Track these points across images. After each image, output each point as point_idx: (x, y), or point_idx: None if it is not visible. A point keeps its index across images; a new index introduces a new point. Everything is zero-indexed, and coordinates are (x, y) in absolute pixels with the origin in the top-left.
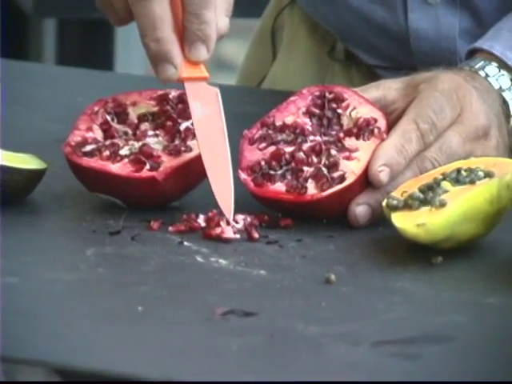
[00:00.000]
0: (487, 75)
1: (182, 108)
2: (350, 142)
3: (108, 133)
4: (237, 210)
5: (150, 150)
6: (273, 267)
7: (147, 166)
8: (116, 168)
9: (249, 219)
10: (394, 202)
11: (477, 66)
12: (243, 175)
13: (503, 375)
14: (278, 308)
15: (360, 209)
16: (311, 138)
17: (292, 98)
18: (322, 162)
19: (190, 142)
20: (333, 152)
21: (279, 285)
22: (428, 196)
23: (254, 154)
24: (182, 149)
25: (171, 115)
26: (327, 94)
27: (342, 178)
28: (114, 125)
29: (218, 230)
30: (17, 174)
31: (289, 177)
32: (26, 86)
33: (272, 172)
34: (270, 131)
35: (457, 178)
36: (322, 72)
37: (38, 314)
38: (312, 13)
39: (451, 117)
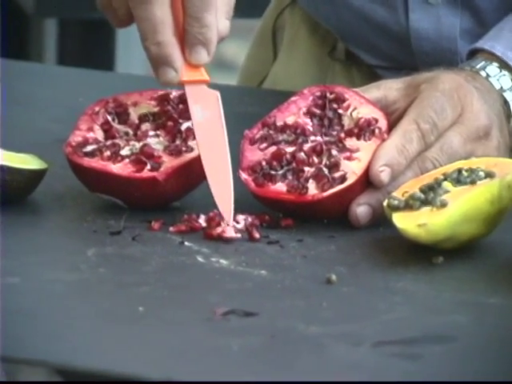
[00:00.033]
0: (488, 75)
1: (183, 108)
2: (350, 143)
3: (109, 133)
4: (238, 210)
5: (150, 150)
6: (274, 267)
7: (148, 167)
8: (117, 168)
9: (250, 219)
10: (395, 202)
11: (478, 66)
12: (244, 175)
13: (504, 375)
14: (278, 308)
15: (361, 209)
16: (312, 138)
17: (293, 98)
18: (323, 163)
19: (190, 143)
20: (334, 152)
21: (280, 285)
22: (429, 196)
23: (254, 154)
24: (183, 149)
25: (172, 115)
26: (328, 94)
27: (343, 179)
28: (115, 125)
29: (218, 230)
30: (18, 174)
31: (290, 177)
32: (27, 86)
33: (273, 172)
34: (271, 131)
35: (458, 179)
36: (323, 72)
37: (38, 314)
38: (313, 13)
39: (452, 117)
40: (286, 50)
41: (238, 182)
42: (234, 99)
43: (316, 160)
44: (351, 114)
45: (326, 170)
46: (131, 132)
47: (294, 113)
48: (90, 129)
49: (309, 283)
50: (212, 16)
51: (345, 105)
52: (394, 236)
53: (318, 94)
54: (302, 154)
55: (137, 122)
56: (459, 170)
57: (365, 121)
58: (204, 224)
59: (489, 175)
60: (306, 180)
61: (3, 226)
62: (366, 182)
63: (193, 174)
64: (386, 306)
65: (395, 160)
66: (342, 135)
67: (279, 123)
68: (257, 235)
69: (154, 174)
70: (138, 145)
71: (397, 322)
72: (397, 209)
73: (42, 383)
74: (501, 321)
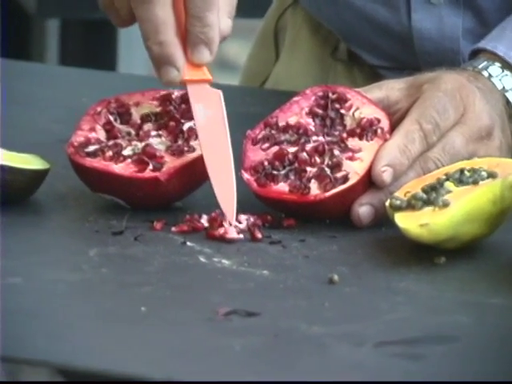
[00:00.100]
0: (490, 75)
1: (185, 108)
2: (353, 143)
3: (111, 133)
4: (240, 210)
5: (152, 150)
6: (276, 267)
7: (150, 167)
8: (119, 168)
9: (252, 219)
10: (398, 203)
11: (480, 67)
12: (246, 175)
13: (506, 375)
14: (281, 308)
15: (363, 209)
16: (314, 138)
17: (295, 99)
18: (325, 163)
19: (192, 143)
20: (336, 152)
21: (282, 285)
22: (431, 196)
23: (257, 154)
24: (185, 149)
25: (174, 115)
26: (330, 95)
27: (345, 179)
28: (117, 125)
29: (221, 231)
30: (20, 174)
31: (292, 177)
32: (29, 86)
33: (275, 172)
34: (273, 131)
35: (460, 179)
36: (325, 72)
37: (40, 314)
38: (315, 13)
39: (454, 117)
40: (288, 51)
41: (240, 182)
42: (236, 99)
43: (318, 160)
44: (353, 114)
45: (328, 170)
46: (133, 132)
47: (296, 113)
48: (92, 129)
49: (311, 283)
50: (214, 15)
51: (347, 105)
52: (396, 236)
53: (320, 94)
54: (304, 154)
55: (139, 122)
56: (461, 170)
57: (367, 121)
58: (206, 224)
59: (491, 175)
60: (308, 180)
61: (5, 226)
62: (368, 182)
63: (195, 174)
64: (388, 306)
65: (397, 160)
66: (344, 135)
67: (281, 123)
68: (259, 235)
69: (156, 174)
70: (140, 145)
71: (399, 322)
72: (399, 209)
73: (43, 383)
74: (503, 321)
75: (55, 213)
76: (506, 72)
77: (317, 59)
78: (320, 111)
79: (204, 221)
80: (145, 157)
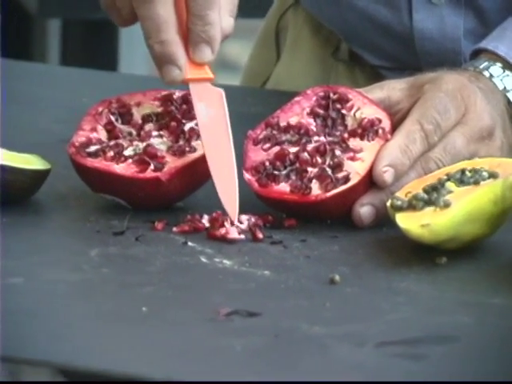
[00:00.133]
0: (492, 76)
1: (187, 108)
2: (354, 143)
3: (112, 133)
4: (241, 211)
5: (154, 150)
6: (277, 267)
7: (151, 167)
8: (120, 168)
9: (253, 219)
10: (399, 203)
11: (481, 67)
12: (247, 175)
13: (506, 375)
14: (282, 308)
15: (364, 209)
16: (315, 138)
17: (296, 99)
18: (327, 163)
19: (194, 143)
20: (337, 152)
21: (283, 285)
22: (432, 196)
23: (258, 155)
24: (187, 149)
25: (175, 116)
26: (331, 95)
27: (347, 179)
28: (118, 125)
29: (222, 231)
30: (21, 174)
31: (293, 177)
32: (30, 86)
33: (276, 172)
34: (275, 131)
35: (461, 179)
36: (326, 73)
37: (41, 314)
38: (316, 13)
39: (455, 117)
40: (289, 51)
41: (241, 182)
42: (237, 99)
43: (319, 160)
44: (354, 114)
45: (329, 171)
46: (134, 132)
47: (297, 113)
48: (94, 129)
49: (312, 283)
50: (215, 14)
51: (348, 105)
52: (398, 236)
53: (322, 94)
54: (306, 154)
55: (140, 122)
56: (462, 171)
57: (368, 121)
58: (207, 224)
59: (492, 175)
60: (310, 180)
61: (6, 226)
62: (370, 182)
63: (196, 175)
64: (389, 307)
65: (398, 160)
66: (346, 135)
67: (282, 123)
68: (260, 235)
69: (158, 174)
70: (141, 145)
71: (400, 322)
72: (400, 209)
73: (43, 383)
74: (503, 321)
75: (56, 213)
76: (507, 72)
77: (318, 59)
78: (321, 111)
79: (205, 221)
80: (146, 157)
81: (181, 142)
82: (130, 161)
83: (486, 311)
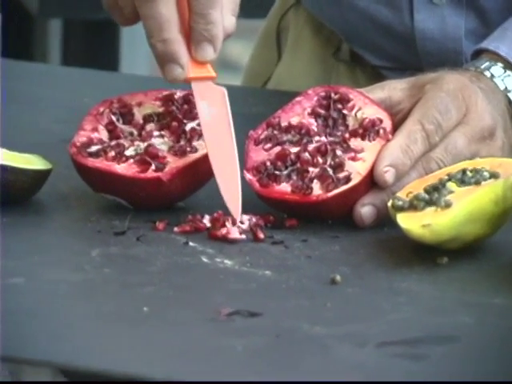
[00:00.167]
0: (493, 76)
1: (188, 108)
2: (355, 143)
3: (113, 133)
4: (242, 211)
5: (155, 150)
6: (278, 268)
7: (152, 167)
8: (121, 168)
9: (254, 220)
10: (400, 203)
11: (482, 67)
12: (248, 176)
13: (506, 375)
14: (283, 308)
15: (365, 209)
16: (317, 138)
17: (297, 99)
18: (328, 163)
19: (195, 143)
20: (338, 152)
21: (284, 285)
22: (433, 197)
23: (259, 155)
24: (188, 149)
25: (177, 116)
26: (333, 95)
27: (348, 179)
28: (120, 125)
29: (223, 231)
30: (22, 174)
31: (294, 177)
32: (31, 86)
33: (277, 172)
34: (276, 132)
35: (462, 179)
36: (327, 73)
37: (42, 314)
38: (317, 14)
39: (457, 117)
40: (291, 51)
41: (242, 182)
42: (239, 100)
43: (320, 160)
44: (356, 114)
45: (330, 171)
46: (136, 132)
47: (298, 113)
48: (95, 129)
49: (313, 283)
50: (217, 12)
51: (349, 105)
52: (399, 236)
53: (323, 94)
54: (307, 154)
55: (141, 122)
56: (464, 171)
57: (369, 121)
58: (208, 224)
59: (493, 175)
60: (311, 180)
61: (7, 226)
62: (371, 182)
63: (197, 175)
64: (390, 307)
65: (400, 160)
66: (347, 135)
67: (284, 123)
68: (261, 235)
69: (159, 174)
70: (142, 145)
71: (401, 323)
72: (401, 209)
73: (44, 383)
74: (504, 321)
75: (57, 213)
76: (509, 72)
77: (319, 59)
78: (322, 111)
79: (206, 221)
80: (147, 157)
81: (182, 142)
82: (132, 161)
83: (486, 311)
